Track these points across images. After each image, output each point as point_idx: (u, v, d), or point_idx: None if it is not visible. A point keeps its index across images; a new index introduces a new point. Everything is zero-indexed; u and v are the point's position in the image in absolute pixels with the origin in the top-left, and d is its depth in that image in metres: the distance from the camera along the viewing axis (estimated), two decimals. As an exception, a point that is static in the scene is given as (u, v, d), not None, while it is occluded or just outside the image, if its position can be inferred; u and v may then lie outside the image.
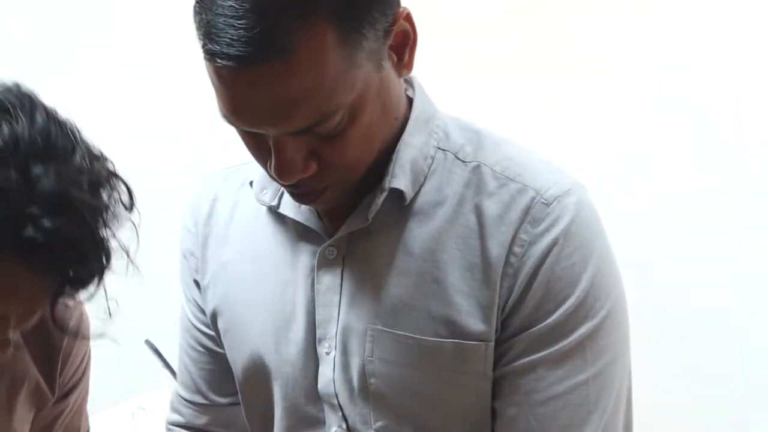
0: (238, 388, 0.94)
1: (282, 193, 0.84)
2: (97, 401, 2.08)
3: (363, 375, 0.80)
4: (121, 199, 0.78)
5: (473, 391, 0.79)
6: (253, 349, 0.87)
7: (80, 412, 1.12)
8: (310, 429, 0.86)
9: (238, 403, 0.96)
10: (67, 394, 1.04)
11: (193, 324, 0.97)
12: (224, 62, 0.66)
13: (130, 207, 0.79)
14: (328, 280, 0.81)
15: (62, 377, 1.00)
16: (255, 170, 0.87)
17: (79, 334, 0.99)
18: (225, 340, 0.91)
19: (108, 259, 0.76)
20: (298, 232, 0.84)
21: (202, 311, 0.94)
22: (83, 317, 1.01)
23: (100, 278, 0.77)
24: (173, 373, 1.79)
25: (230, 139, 0.81)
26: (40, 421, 1.03)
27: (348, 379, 0.81)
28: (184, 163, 2.37)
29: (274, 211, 0.85)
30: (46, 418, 1.03)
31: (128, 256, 0.79)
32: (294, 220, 0.83)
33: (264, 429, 0.91)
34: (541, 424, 0.76)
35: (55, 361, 0.97)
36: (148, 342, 1.76)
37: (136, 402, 1.96)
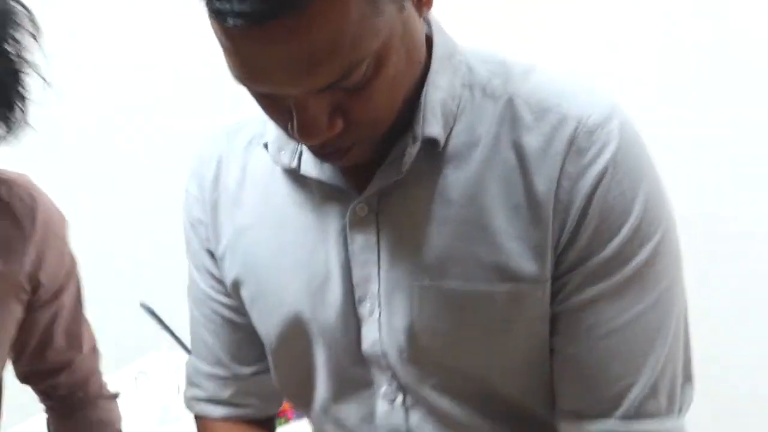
0: (270, 357, 0.89)
1: (300, 153, 0.78)
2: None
3: (412, 333, 0.76)
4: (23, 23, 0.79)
5: (531, 335, 0.75)
6: (289, 316, 0.82)
7: (79, 319, 1.14)
8: (359, 391, 0.83)
9: (263, 372, 0.93)
10: (57, 295, 1.05)
11: (208, 295, 0.91)
12: (235, 21, 0.59)
13: (30, 22, 0.79)
14: (362, 240, 0.77)
15: (43, 272, 1.00)
16: (261, 127, 0.82)
17: (45, 218, 1.01)
18: (252, 309, 0.87)
19: (12, 70, 0.75)
20: (322, 193, 0.79)
21: (219, 281, 0.89)
22: (50, 208, 1.03)
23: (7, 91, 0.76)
24: (172, 334, 1.78)
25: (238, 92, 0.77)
26: (37, 324, 1.04)
27: (396, 339, 0.77)
28: (178, 126, 2.32)
29: (293, 172, 0.80)
30: (42, 320, 1.06)
31: (44, 79, 0.79)
32: (317, 181, 0.78)
33: (303, 395, 0.88)
34: (603, 359, 0.74)
35: (22, 249, 0.98)
36: (143, 305, 1.73)
37: (136, 366, 1.95)
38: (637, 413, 0.74)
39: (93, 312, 2.55)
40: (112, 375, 1.97)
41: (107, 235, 2.50)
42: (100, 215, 2.51)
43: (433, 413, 0.80)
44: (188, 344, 1.85)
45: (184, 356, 1.86)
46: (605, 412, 0.74)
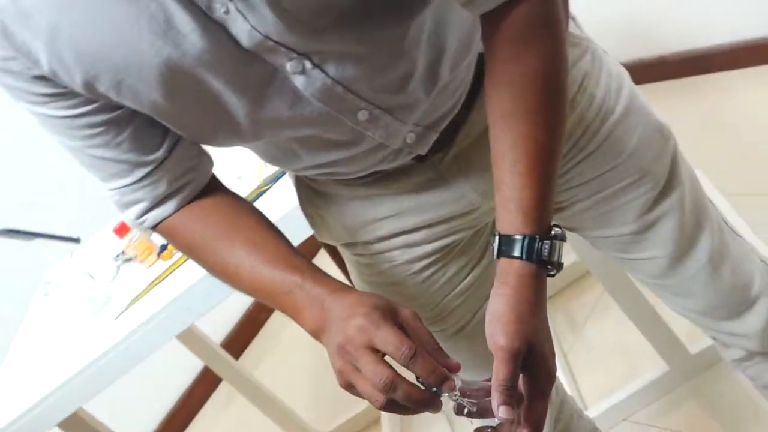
0: (170, 123, 0.84)
1: None
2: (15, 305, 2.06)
3: (273, 2, 0.72)
4: None
5: None
6: (161, 69, 0.76)
7: None
8: (271, 84, 0.80)
9: (177, 143, 0.88)
10: None
11: (68, 116, 0.83)
12: None
13: None
14: None
15: None
16: None
17: None
18: (121, 93, 0.79)
19: None
20: None
21: (68, 95, 0.81)
22: None
23: None
24: (47, 235, 1.74)
25: None
26: None
27: (263, 17, 0.73)
28: None
29: None
30: None
31: None
32: None
33: (225, 128, 0.84)
34: None
35: None
36: (4, 231, 1.67)
37: (41, 285, 1.92)
38: None
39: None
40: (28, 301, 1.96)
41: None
42: None
43: (343, 57, 0.79)
44: (67, 234, 1.83)
45: (74, 247, 1.84)
46: None
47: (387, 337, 0.74)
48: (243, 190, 1.57)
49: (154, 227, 0.93)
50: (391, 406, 0.75)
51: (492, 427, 0.77)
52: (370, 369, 0.73)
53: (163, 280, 1.58)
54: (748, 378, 1.23)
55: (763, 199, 2.05)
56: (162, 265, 1.64)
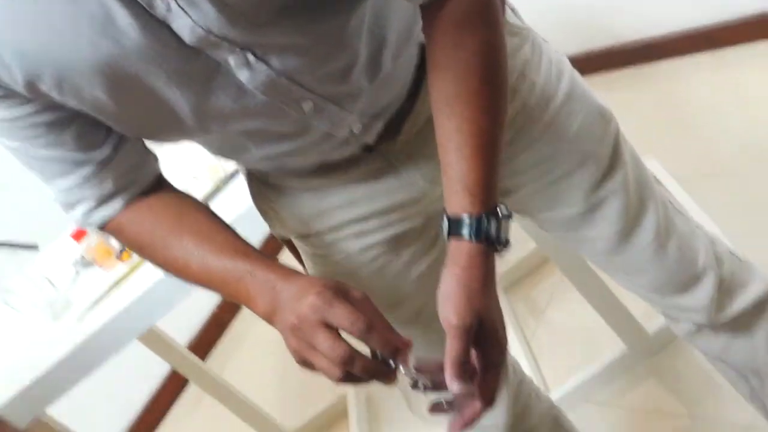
0: (115, 123, 0.85)
1: None
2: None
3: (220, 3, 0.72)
4: None
5: None
6: (101, 68, 0.76)
7: None
8: (215, 79, 0.80)
9: (121, 143, 0.88)
10: None
11: (12, 118, 0.82)
12: None
13: None
14: None
15: None
16: None
17: None
18: (63, 92, 0.79)
19: None
20: None
21: (12, 96, 0.81)
22: None
23: None
24: (8, 244, 1.73)
25: None
26: None
27: (206, 12, 0.73)
28: None
29: None
30: None
31: None
32: None
33: (173, 127, 0.85)
34: None
35: None
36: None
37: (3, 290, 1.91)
38: None
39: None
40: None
41: None
42: None
43: (286, 49, 0.79)
44: (23, 242, 1.82)
45: (32, 255, 1.83)
46: None
47: (342, 313, 0.76)
48: (199, 190, 1.57)
49: (102, 227, 0.93)
50: (347, 379, 0.77)
51: (447, 402, 0.80)
52: (328, 345, 0.75)
53: (123, 281, 1.59)
54: (701, 351, 1.26)
55: (714, 179, 2.10)
56: (122, 267, 1.64)
